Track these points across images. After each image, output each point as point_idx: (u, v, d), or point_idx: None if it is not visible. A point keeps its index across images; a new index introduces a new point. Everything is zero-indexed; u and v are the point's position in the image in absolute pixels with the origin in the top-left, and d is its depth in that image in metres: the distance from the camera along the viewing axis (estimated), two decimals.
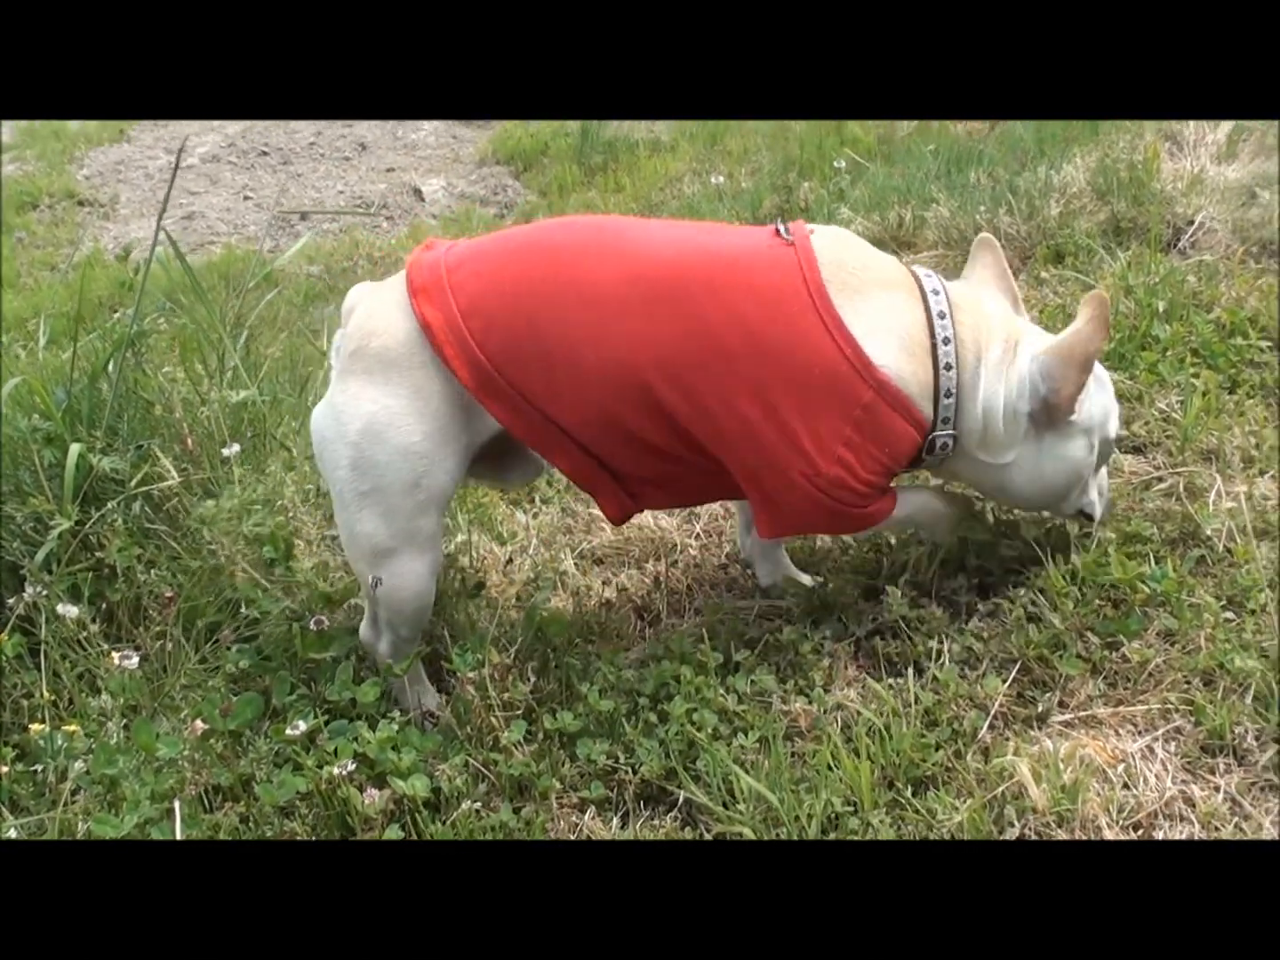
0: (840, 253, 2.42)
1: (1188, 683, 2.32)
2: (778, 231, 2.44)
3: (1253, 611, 2.41)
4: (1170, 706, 2.29)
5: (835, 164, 6.37)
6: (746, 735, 2.31)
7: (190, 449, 3.27)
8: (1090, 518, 2.63)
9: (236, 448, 3.14)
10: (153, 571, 2.95)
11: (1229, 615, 2.43)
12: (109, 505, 3.04)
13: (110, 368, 3.33)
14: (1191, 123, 4.95)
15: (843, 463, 2.35)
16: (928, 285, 2.43)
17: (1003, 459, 2.47)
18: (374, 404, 2.42)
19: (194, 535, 3.04)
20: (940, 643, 2.48)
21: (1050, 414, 2.42)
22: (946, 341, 2.38)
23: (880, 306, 2.37)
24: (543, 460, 2.59)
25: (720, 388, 2.34)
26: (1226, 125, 4.89)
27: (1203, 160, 4.69)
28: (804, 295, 2.33)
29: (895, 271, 2.46)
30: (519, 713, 2.41)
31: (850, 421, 2.33)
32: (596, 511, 3.21)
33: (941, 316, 2.39)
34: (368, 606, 2.64)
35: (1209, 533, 2.65)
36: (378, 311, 2.48)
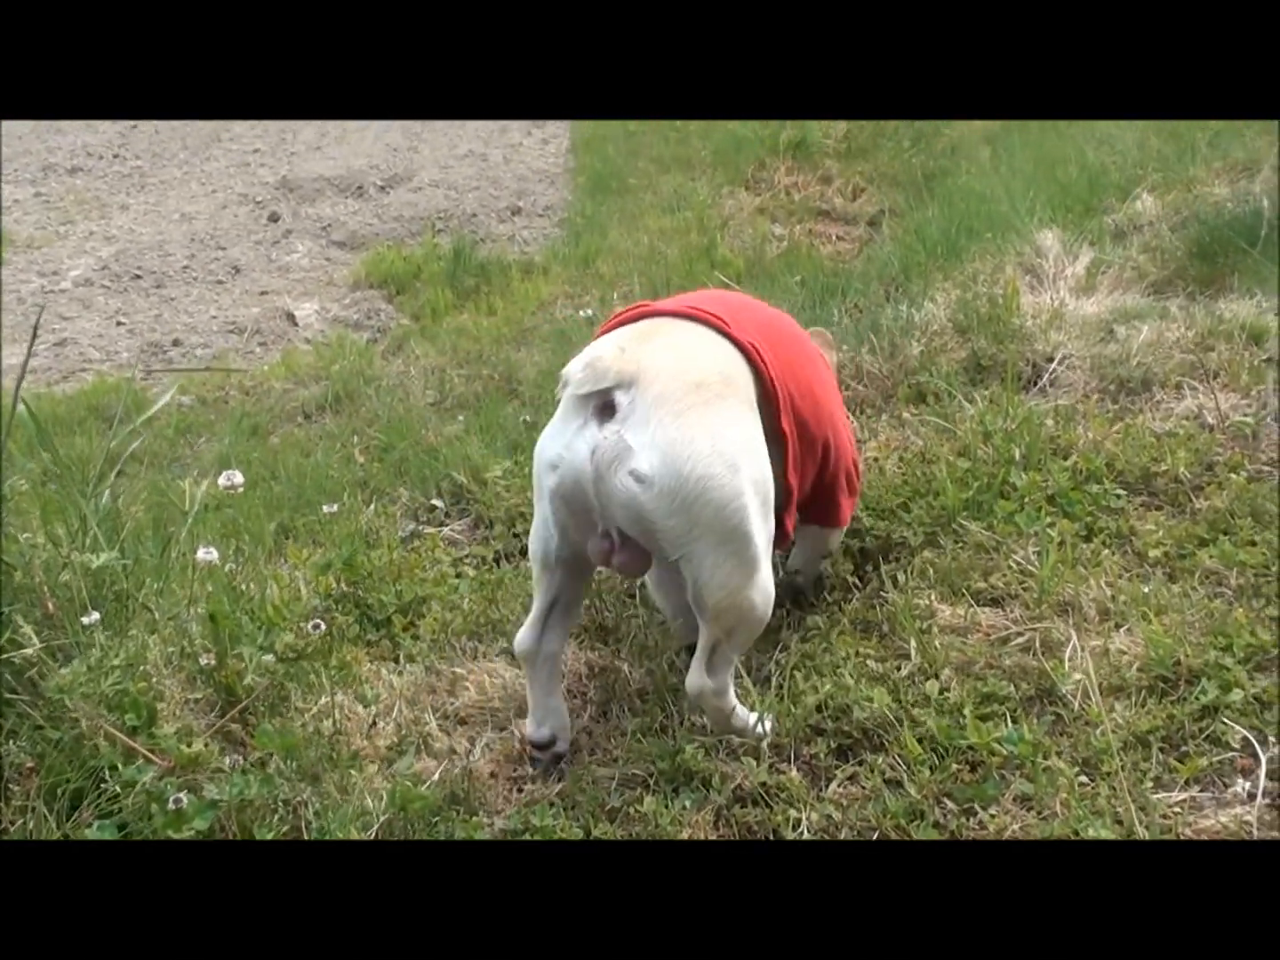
0: None
1: None
2: None
3: (1106, 775, 2.45)
4: None
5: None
6: None
7: (52, 613, 3.21)
8: None
9: (96, 616, 3.09)
10: (13, 742, 2.88)
11: (1083, 779, 2.46)
12: None
13: None
14: (1051, 255, 5.10)
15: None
16: None
17: None
18: (752, 431, 2.62)
19: (55, 704, 2.98)
20: (800, 811, 2.49)
21: None
22: None
23: None
24: None
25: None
26: (1085, 258, 5.03)
27: (1062, 293, 4.82)
28: None
29: None
30: None
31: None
32: (460, 669, 3.22)
33: None
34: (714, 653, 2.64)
35: (1064, 691, 2.70)
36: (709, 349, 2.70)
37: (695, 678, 2.63)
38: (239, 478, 3.38)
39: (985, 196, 7.05)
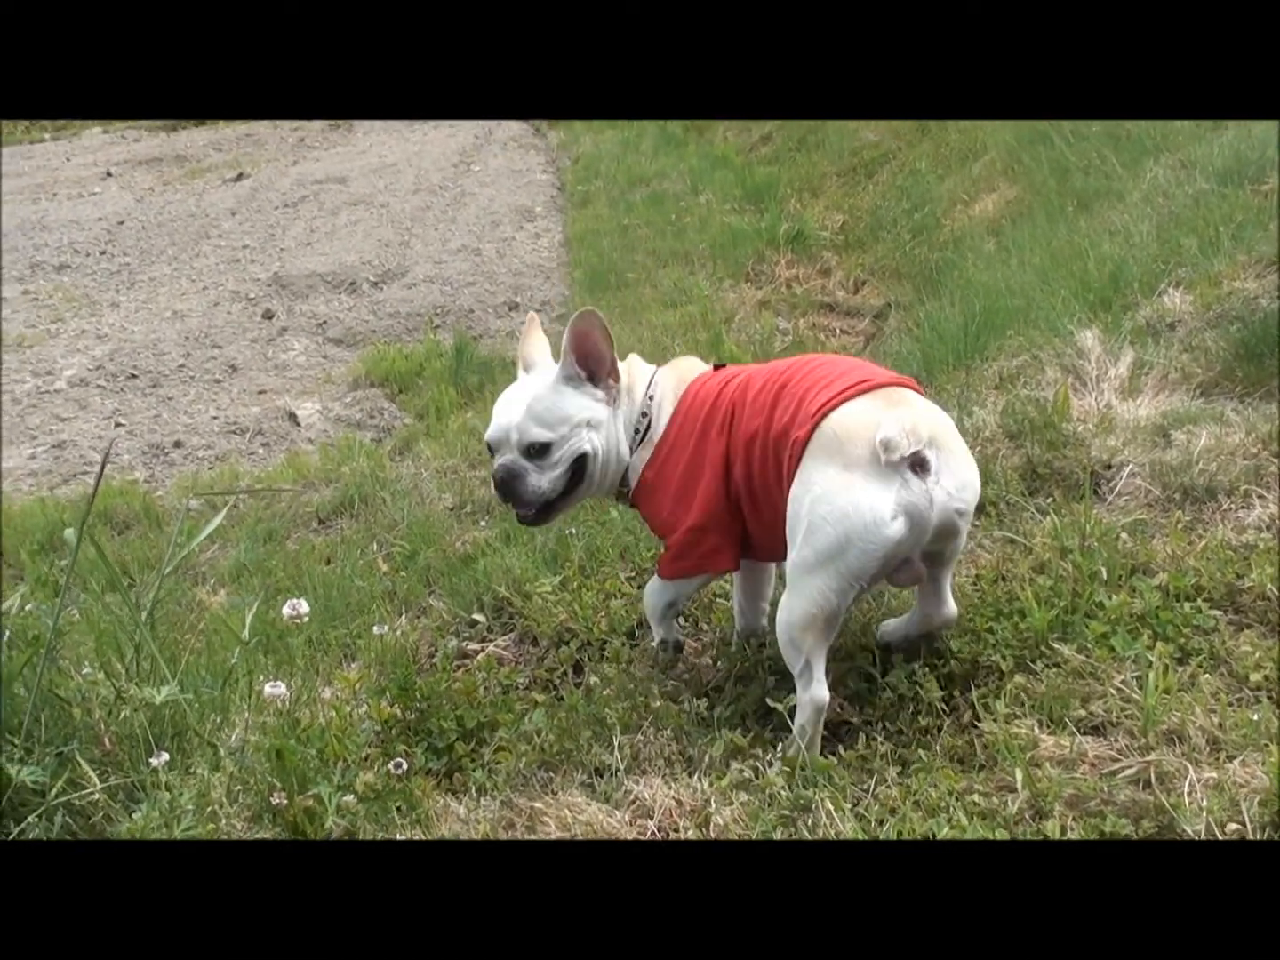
0: None
1: None
2: None
3: None
4: None
5: None
6: None
7: (110, 750, 3.10)
8: None
9: (165, 756, 2.97)
10: None
11: None
12: (28, 819, 2.86)
13: (25, 670, 3.16)
14: (1093, 356, 5.05)
15: None
16: None
17: None
18: None
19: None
20: None
21: None
22: None
23: None
24: None
25: None
26: (1127, 358, 4.99)
27: (1107, 395, 4.77)
28: None
29: None
30: None
31: None
32: (538, 804, 3.10)
33: None
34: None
35: (1189, 831, 2.60)
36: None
37: (950, 607, 3.38)
38: (304, 607, 3.28)
39: (1000, 291, 7.02)
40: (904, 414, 3.08)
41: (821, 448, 3.12)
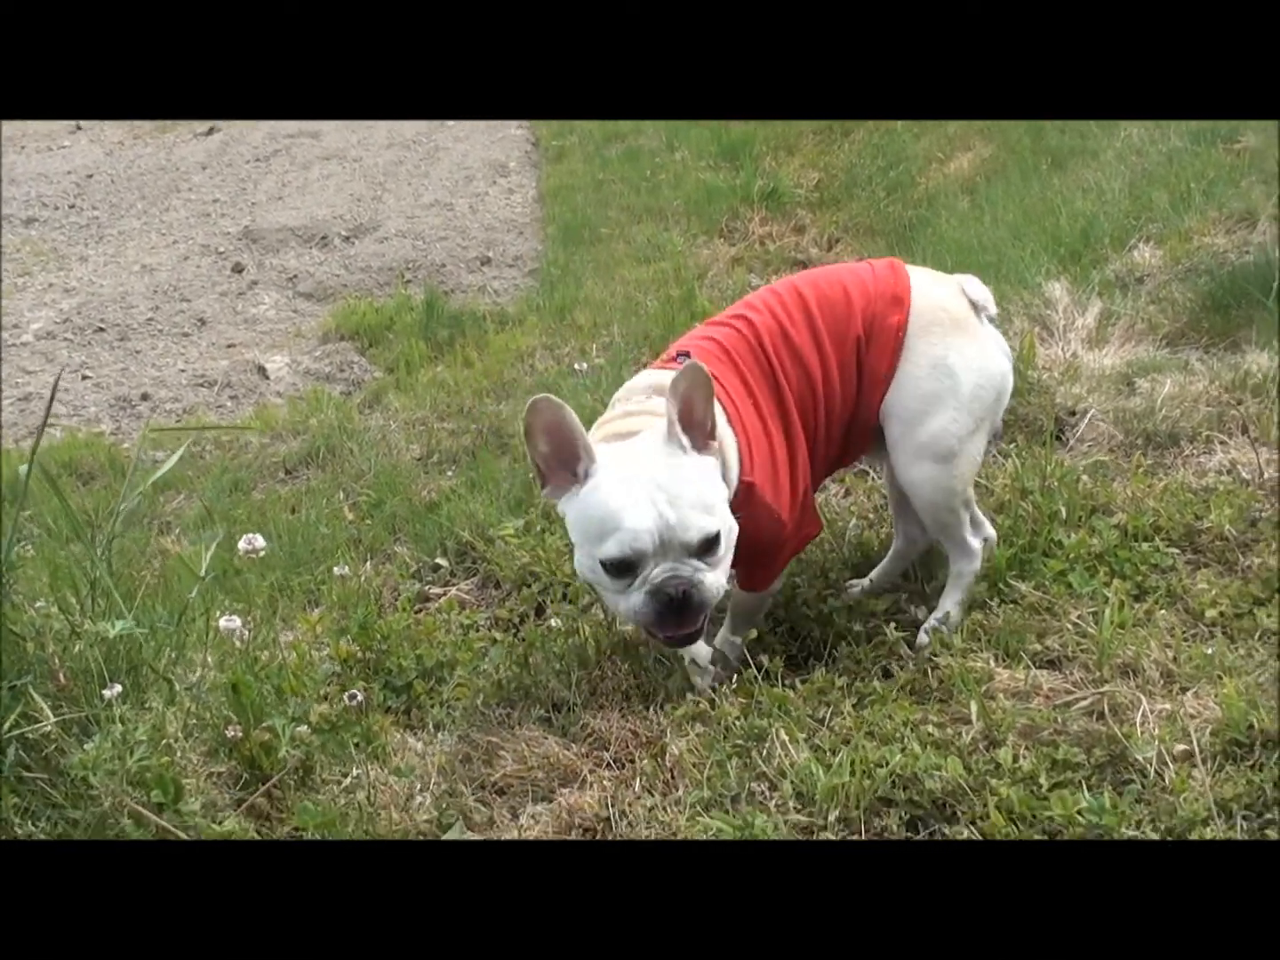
0: None
1: None
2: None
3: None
4: None
5: None
6: None
7: (65, 685, 3.08)
8: None
9: (118, 688, 2.96)
10: (31, 823, 2.75)
11: None
12: None
13: None
14: (1060, 307, 5.06)
15: None
16: None
17: None
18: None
19: (76, 782, 2.85)
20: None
21: None
22: None
23: None
24: None
25: None
26: (1094, 310, 4.99)
27: (1074, 345, 4.78)
28: None
29: None
30: None
31: None
32: (495, 738, 3.10)
33: None
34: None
35: (1139, 758, 2.61)
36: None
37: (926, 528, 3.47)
38: (260, 541, 3.27)
39: (972, 247, 7.02)
40: (954, 276, 3.39)
41: (930, 322, 3.25)
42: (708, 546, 2.86)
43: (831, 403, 3.24)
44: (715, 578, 2.89)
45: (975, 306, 3.29)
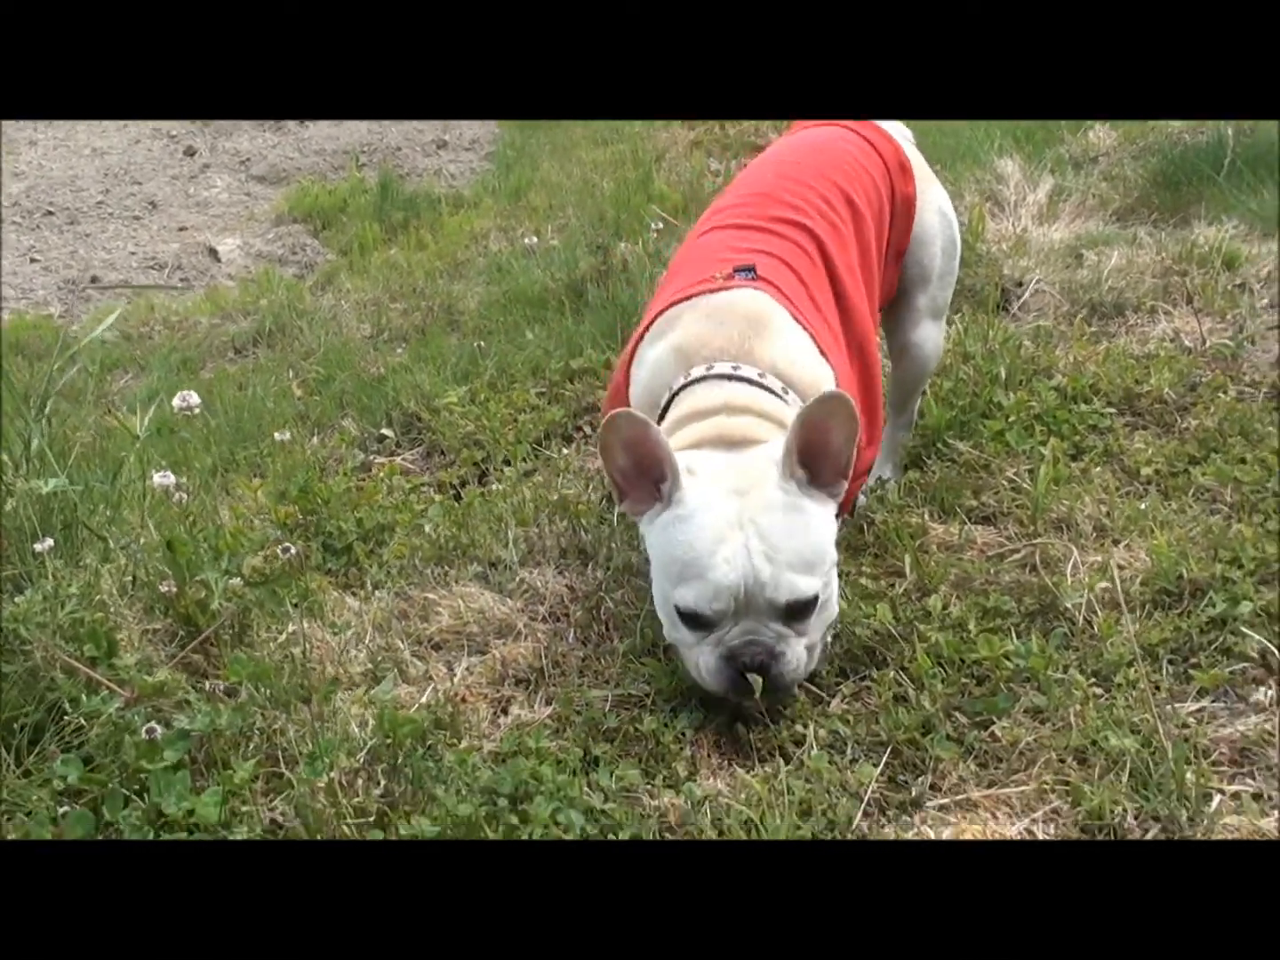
0: None
1: (1061, 762, 2.27)
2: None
3: (1120, 686, 2.39)
4: (1046, 787, 2.23)
5: (650, 224, 6.34)
6: (617, 834, 2.20)
7: None
8: None
9: (49, 542, 2.93)
10: None
11: (1097, 691, 2.40)
12: None
13: None
14: (1012, 182, 5.04)
15: None
16: None
17: None
18: None
19: (7, 635, 2.83)
20: (805, 727, 2.41)
21: None
22: None
23: None
24: None
25: None
26: (1046, 186, 4.98)
27: (1025, 221, 4.76)
28: None
29: None
30: (371, 820, 2.27)
31: None
32: (431, 595, 3.10)
33: None
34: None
35: (1069, 606, 2.63)
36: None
37: None
38: (194, 398, 3.23)
39: (931, 129, 6.96)
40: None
41: (922, 178, 3.25)
42: (798, 611, 2.41)
43: (874, 304, 3.02)
44: (799, 651, 2.45)
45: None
